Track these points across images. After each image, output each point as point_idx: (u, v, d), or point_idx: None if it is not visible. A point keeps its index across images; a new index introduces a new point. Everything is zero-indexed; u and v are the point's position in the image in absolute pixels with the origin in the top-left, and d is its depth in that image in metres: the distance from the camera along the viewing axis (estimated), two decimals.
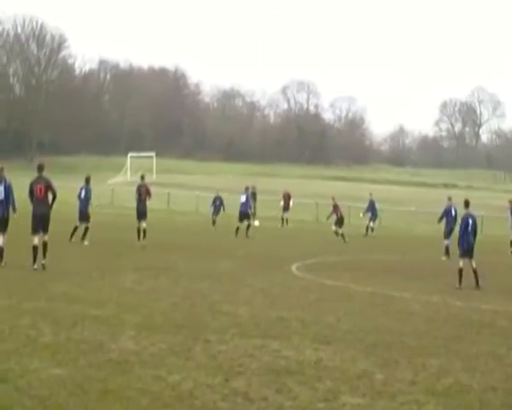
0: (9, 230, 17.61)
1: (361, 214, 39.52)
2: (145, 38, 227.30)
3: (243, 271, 19.09)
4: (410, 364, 9.48)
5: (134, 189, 26.34)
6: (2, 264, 17.10)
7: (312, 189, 73.76)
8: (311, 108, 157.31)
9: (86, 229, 24.24)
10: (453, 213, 26.47)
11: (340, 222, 33.21)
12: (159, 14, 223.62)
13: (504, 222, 32.97)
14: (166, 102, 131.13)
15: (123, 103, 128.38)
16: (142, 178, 26.42)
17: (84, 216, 24.55)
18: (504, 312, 14.82)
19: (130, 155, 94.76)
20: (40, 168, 17.42)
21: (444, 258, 25.80)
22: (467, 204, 18.90)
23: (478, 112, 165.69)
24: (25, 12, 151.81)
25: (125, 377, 8.09)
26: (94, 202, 25.69)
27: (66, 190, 32.16)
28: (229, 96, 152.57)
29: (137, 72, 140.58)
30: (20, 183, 22.00)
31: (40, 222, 17.05)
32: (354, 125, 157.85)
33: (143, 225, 24.71)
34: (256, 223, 32.68)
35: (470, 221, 18.57)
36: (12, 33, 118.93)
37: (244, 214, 31.96)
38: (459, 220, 20.09)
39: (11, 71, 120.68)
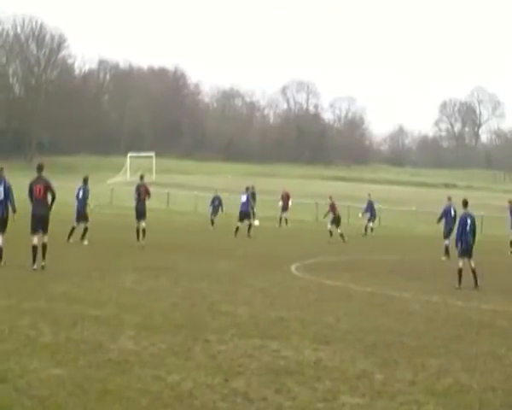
0: (9, 230, 17.61)
1: (360, 215, 39.59)
2: (145, 38, 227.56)
3: (243, 271, 19.09)
4: (409, 364, 9.47)
5: (133, 189, 26.35)
6: (2, 264, 17.10)
7: (312, 189, 73.77)
8: (311, 108, 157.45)
9: (85, 229, 24.26)
10: (452, 213, 26.45)
11: (336, 221, 33.22)
12: (158, 14, 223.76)
13: (504, 222, 32.98)
14: (166, 102, 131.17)
15: (122, 103, 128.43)
16: (142, 177, 26.43)
17: (81, 216, 24.55)
18: (504, 312, 14.82)
19: (129, 155, 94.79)
20: (40, 168, 17.41)
21: (444, 258, 25.80)
22: (465, 204, 18.91)
23: (477, 112, 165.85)
24: (24, 12, 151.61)
25: (124, 377, 8.09)
26: (92, 202, 25.69)
27: (66, 191, 32.14)
28: (228, 96, 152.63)
29: (137, 72, 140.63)
30: (20, 183, 22.01)
31: (39, 222, 17.04)
32: (354, 126, 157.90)
33: (142, 224, 24.71)
34: (256, 222, 32.69)
35: (469, 221, 18.56)
36: (11, 33, 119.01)
37: (244, 214, 31.95)
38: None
39: (11, 71, 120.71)
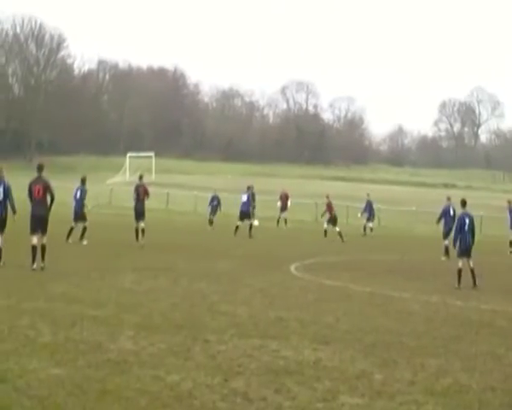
0: (8, 230, 17.60)
1: (359, 215, 39.66)
2: (144, 38, 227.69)
3: (242, 271, 19.09)
4: (408, 364, 9.47)
5: (133, 189, 26.36)
6: (1, 264, 17.08)
7: (311, 189, 73.73)
8: (311, 108, 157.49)
9: (84, 229, 24.27)
10: (452, 213, 26.43)
11: (333, 221, 33.28)
12: (158, 14, 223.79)
13: (503, 222, 32.98)
14: (165, 102, 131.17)
15: (122, 103, 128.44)
16: (141, 178, 26.43)
17: (79, 216, 24.55)
18: (503, 312, 14.82)
19: (129, 155, 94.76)
20: (40, 168, 17.40)
21: (443, 258, 25.79)
22: (463, 204, 18.91)
23: (477, 112, 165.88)
24: (24, 12, 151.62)
25: (123, 377, 8.08)
26: (89, 203, 25.69)
27: (65, 191, 32.11)
28: (228, 96, 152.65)
29: (136, 72, 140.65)
30: (19, 183, 22.01)
31: (38, 223, 17.03)
32: (353, 126, 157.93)
33: (141, 225, 24.72)
34: (256, 222, 32.68)
35: (467, 221, 18.56)
36: (11, 33, 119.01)
37: (245, 214, 31.93)
38: None
39: (10, 71, 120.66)
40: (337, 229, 32.70)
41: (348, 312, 13.45)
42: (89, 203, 25.50)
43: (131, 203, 26.24)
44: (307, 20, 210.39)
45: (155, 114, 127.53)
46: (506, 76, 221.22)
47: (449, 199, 27.43)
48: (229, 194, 46.62)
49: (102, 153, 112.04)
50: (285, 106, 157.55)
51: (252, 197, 32.85)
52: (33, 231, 17.00)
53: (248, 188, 32.93)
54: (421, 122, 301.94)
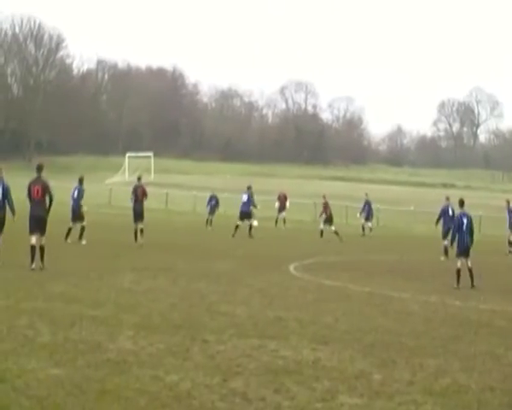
0: (7, 230, 17.58)
1: (358, 215, 39.71)
2: (143, 38, 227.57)
3: (241, 271, 19.08)
4: (407, 364, 9.48)
5: (131, 189, 26.36)
6: (0, 264, 17.06)
7: (310, 189, 73.74)
8: (309, 109, 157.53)
9: (82, 228, 24.26)
10: (450, 212, 26.44)
11: (329, 221, 33.34)
12: (157, 13, 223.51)
13: (502, 222, 32.98)
14: (164, 101, 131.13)
15: (121, 103, 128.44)
16: (139, 179, 26.42)
17: (77, 216, 24.55)
18: (502, 312, 14.83)
19: (128, 155, 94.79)
20: (39, 169, 17.37)
21: (443, 258, 25.77)
22: (461, 203, 18.94)
23: (476, 112, 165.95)
24: (23, 12, 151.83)
25: (122, 377, 8.08)
26: (85, 204, 25.67)
27: (64, 191, 32.08)
28: (227, 96, 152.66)
29: (135, 72, 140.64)
30: (19, 183, 22.00)
31: (36, 223, 16.99)
32: (352, 126, 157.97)
33: (140, 226, 24.72)
34: (255, 223, 32.64)
35: (465, 220, 18.58)
36: (10, 33, 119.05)
37: (245, 214, 31.90)
38: None
39: (9, 71, 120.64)
40: (332, 228, 32.78)
41: (347, 312, 13.45)
42: (85, 204, 25.46)
43: (130, 204, 26.23)
44: (306, 21, 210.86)
45: (154, 113, 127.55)
46: (505, 76, 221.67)
47: (448, 199, 27.44)
48: (229, 194, 46.62)
49: (101, 153, 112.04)
50: (284, 106, 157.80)
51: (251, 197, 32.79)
52: (32, 231, 16.98)
53: (249, 187, 32.89)
54: (420, 122, 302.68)
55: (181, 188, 67.55)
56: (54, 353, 8.96)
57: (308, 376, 8.57)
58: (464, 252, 18.46)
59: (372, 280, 18.78)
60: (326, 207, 33.74)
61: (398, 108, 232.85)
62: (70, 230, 24.15)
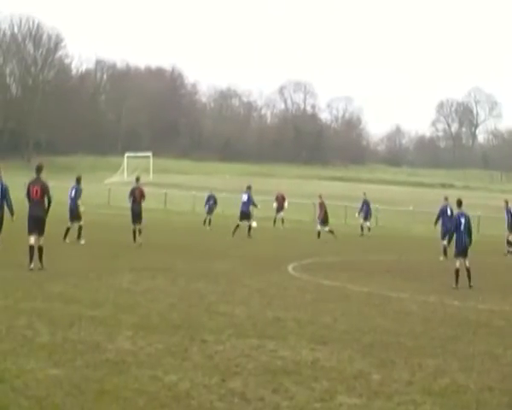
0: (5, 230, 17.59)
1: (356, 215, 39.72)
2: (142, 38, 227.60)
3: (240, 271, 19.08)
4: (406, 364, 9.48)
5: (129, 190, 26.32)
6: None
7: (309, 189, 73.70)
8: (308, 109, 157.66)
9: (80, 228, 24.23)
10: (449, 212, 26.44)
11: (324, 220, 33.43)
12: (156, 13, 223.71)
13: (501, 222, 32.98)
14: (163, 102, 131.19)
15: (120, 103, 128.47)
16: (137, 180, 26.37)
17: (75, 216, 24.54)
18: (501, 311, 14.84)
19: (126, 155, 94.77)
20: (38, 169, 17.34)
21: (442, 258, 25.76)
22: (459, 204, 18.96)
23: (474, 112, 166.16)
24: (21, 12, 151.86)
25: (121, 377, 8.08)
26: (85, 203, 25.66)
27: (63, 191, 32.06)
28: (225, 96, 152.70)
29: (134, 72, 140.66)
30: (18, 183, 22.02)
31: (35, 224, 16.97)
32: (351, 126, 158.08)
33: (139, 227, 24.71)
34: (254, 224, 32.62)
35: (463, 220, 18.58)
36: (8, 33, 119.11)
37: (245, 214, 31.87)
38: None
39: (8, 71, 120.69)
40: (326, 229, 32.86)
41: (346, 312, 13.45)
42: (83, 204, 25.43)
43: (128, 204, 26.20)
44: (305, 21, 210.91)
45: (153, 113, 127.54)
46: (504, 76, 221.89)
47: (446, 199, 27.45)
48: (228, 194, 46.60)
49: (100, 153, 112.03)
50: (283, 106, 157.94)
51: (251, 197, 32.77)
52: (31, 231, 16.96)
53: (249, 187, 32.85)
54: (419, 122, 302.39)
55: (180, 188, 67.52)
56: (53, 353, 8.96)
57: (307, 376, 8.57)
58: (462, 252, 18.47)
59: (371, 280, 18.78)
60: (322, 206, 33.82)
61: (397, 109, 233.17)
62: (68, 229, 24.15)
